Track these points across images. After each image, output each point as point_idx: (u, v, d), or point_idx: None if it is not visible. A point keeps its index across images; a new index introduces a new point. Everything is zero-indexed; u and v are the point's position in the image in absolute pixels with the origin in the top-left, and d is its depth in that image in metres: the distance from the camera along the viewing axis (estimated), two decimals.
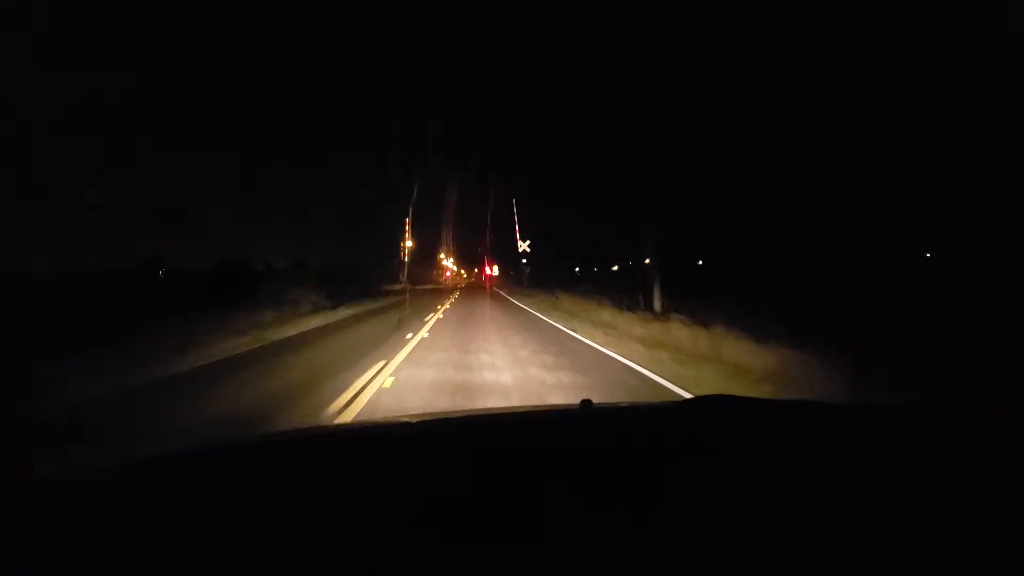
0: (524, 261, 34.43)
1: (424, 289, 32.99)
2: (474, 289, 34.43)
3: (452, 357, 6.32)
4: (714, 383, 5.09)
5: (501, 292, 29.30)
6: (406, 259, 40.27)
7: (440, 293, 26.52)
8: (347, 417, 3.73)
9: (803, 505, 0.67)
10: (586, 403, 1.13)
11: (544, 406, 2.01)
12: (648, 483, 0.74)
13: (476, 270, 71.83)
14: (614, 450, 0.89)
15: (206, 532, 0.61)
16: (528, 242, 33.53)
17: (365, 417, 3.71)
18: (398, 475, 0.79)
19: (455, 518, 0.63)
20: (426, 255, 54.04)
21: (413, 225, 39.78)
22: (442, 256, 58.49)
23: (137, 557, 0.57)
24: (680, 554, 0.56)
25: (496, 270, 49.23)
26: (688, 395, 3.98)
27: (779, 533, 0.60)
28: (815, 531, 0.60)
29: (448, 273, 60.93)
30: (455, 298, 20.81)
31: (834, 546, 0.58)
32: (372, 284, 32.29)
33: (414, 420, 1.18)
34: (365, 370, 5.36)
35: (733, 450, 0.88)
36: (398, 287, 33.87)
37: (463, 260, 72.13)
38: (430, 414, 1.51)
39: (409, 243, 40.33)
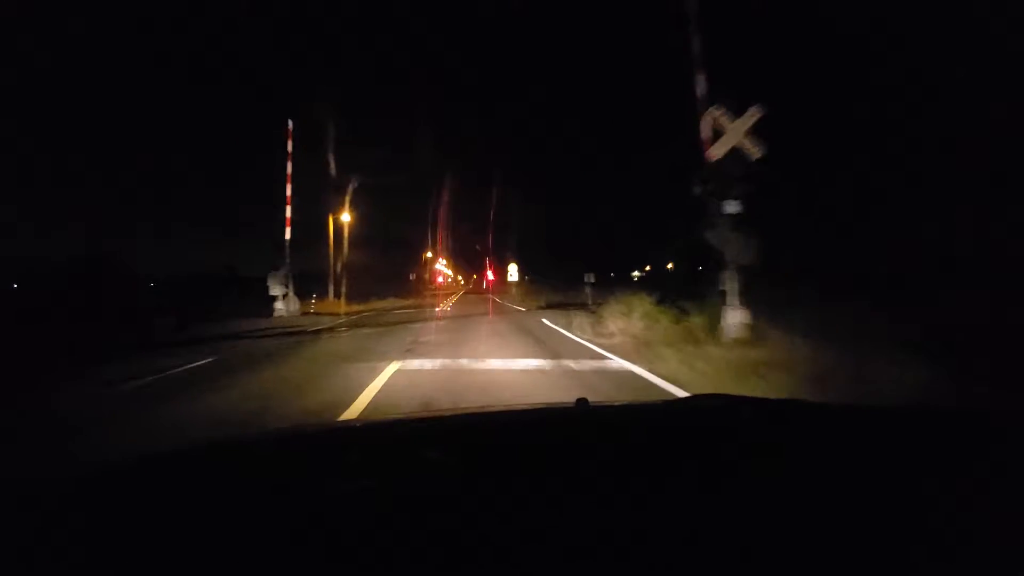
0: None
1: (358, 321, 13.25)
2: (470, 316, 13.87)
3: None
4: None
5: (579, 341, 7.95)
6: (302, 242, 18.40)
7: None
8: None
9: (798, 503, 0.66)
10: (582, 402, 1.11)
11: (540, 404, 1.99)
12: (642, 482, 0.73)
13: (475, 276, 60.60)
14: (609, 449, 0.88)
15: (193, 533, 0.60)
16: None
17: None
18: (391, 474, 0.78)
19: (450, 519, 0.62)
20: (412, 252, 43.20)
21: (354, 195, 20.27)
22: (428, 255, 43.54)
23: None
24: (677, 555, 0.55)
25: (514, 271, 31.50)
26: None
27: (776, 532, 0.59)
28: (811, 529, 0.59)
29: (440, 279, 46.78)
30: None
31: (830, 545, 0.56)
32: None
33: (408, 418, 1.16)
34: None
35: (727, 449, 0.88)
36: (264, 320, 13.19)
37: (462, 263, 62.12)
38: (426, 412, 1.49)
39: (346, 216, 20.35)
